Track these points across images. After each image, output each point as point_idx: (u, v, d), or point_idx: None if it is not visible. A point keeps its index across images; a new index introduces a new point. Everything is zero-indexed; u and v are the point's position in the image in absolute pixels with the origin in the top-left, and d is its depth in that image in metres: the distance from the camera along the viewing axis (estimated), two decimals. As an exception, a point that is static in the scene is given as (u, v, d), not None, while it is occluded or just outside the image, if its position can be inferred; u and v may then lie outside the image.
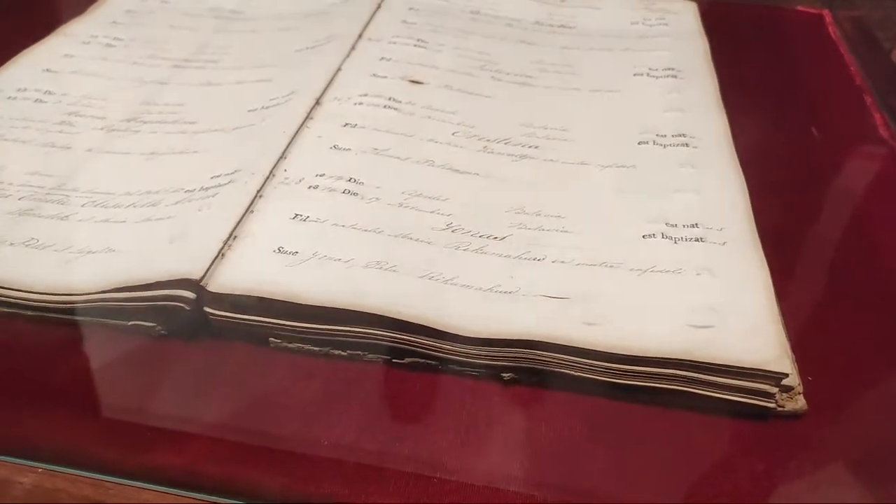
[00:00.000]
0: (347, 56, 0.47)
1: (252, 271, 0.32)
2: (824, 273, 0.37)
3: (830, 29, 0.59)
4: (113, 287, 0.32)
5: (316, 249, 0.33)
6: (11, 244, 0.35)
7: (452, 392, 0.31)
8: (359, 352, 0.32)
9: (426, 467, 0.28)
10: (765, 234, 0.35)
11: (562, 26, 0.55)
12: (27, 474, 0.28)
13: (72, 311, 0.32)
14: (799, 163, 0.44)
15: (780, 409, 0.30)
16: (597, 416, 0.30)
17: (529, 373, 0.31)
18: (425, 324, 0.30)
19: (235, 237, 0.33)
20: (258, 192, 0.36)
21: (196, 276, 0.31)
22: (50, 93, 0.47)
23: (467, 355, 0.31)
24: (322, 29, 0.52)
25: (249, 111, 0.44)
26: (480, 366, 0.31)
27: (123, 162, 0.40)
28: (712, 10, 0.58)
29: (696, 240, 0.35)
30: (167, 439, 0.28)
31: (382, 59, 0.48)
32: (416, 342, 0.31)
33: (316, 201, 0.36)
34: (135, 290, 0.31)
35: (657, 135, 0.42)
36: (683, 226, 0.35)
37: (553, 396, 0.31)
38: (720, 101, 0.45)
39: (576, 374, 0.30)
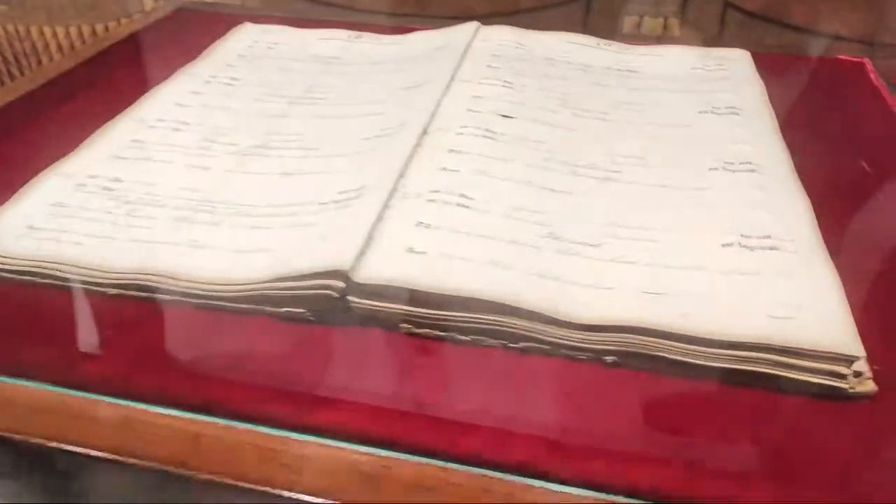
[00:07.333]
0: (444, 94, 0.54)
1: (389, 266, 0.37)
2: (884, 279, 0.41)
3: (872, 76, 0.64)
4: (273, 278, 0.37)
5: (441, 250, 0.39)
6: (176, 244, 0.41)
7: (562, 372, 0.36)
8: (480, 337, 0.37)
9: (543, 429, 0.33)
10: (829, 247, 0.40)
11: (629, 71, 0.61)
12: (210, 428, 0.33)
13: (233, 300, 0.38)
14: (853, 189, 0.49)
15: (851, 390, 0.34)
16: (689, 393, 0.35)
17: (629, 356, 0.36)
18: (541, 311, 0.36)
19: (372, 239, 0.39)
20: (385, 203, 0.42)
21: (345, 268, 0.37)
22: (185, 123, 0.53)
23: (576, 340, 0.36)
24: (419, 72, 0.59)
25: (363, 139, 0.50)
26: (587, 350, 0.36)
27: (260, 180, 0.47)
28: (763, 59, 0.64)
29: (770, 248, 0.40)
30: (325, 403, 0.34)
31: (475, 97, 0.54)
32: (532, 329, 0.36)
33: (435, 212, 0.42)
34: (292, 280, 0.37)
35: (725, 162, 0.47)
36: (757, 237, 0.40)
37: (650, 377, 0.35)
38: (780, 134, 0.51)
39: (672, 357, 0.35)
